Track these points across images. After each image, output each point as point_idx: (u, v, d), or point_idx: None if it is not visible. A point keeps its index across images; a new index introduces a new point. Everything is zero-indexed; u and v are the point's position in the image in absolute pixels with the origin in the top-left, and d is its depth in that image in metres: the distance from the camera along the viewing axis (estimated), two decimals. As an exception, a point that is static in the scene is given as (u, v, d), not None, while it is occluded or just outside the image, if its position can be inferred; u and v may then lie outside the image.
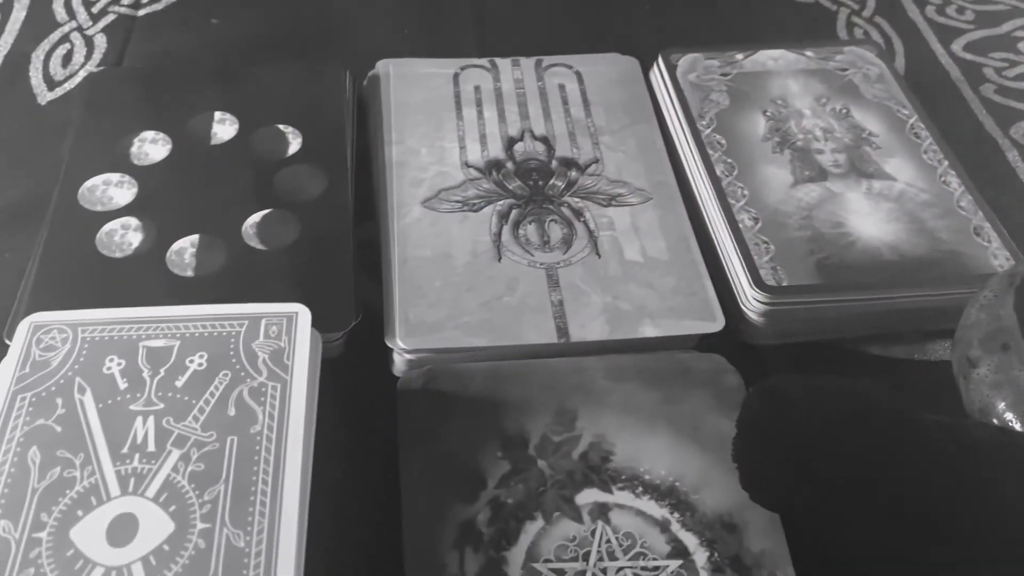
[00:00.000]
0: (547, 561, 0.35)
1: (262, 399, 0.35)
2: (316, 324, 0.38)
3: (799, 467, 0.36)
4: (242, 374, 0.36)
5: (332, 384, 0.42)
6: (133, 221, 0.46)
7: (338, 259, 0.45)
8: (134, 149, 0.49)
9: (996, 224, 0.48)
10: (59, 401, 0.34)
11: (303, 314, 0.38)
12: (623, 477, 0.38)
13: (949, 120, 0.59)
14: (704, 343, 0.45)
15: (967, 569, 0.34)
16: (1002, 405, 0.38)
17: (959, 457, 0.35)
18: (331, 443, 0.40)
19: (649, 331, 0.44)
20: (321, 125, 0.51)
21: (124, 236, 0.45)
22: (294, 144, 0.50)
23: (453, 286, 0.45)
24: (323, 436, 0.40)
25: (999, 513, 0.34)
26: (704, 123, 0.53)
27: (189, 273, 0.44)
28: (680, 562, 0.36)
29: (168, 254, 0.44)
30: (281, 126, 0.51)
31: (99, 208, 0.46)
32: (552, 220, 0.48)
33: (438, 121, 0.53)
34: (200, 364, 0.36)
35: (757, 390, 0.38)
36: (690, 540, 0.36)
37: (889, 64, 0.58)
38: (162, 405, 0.35)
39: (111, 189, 0.47)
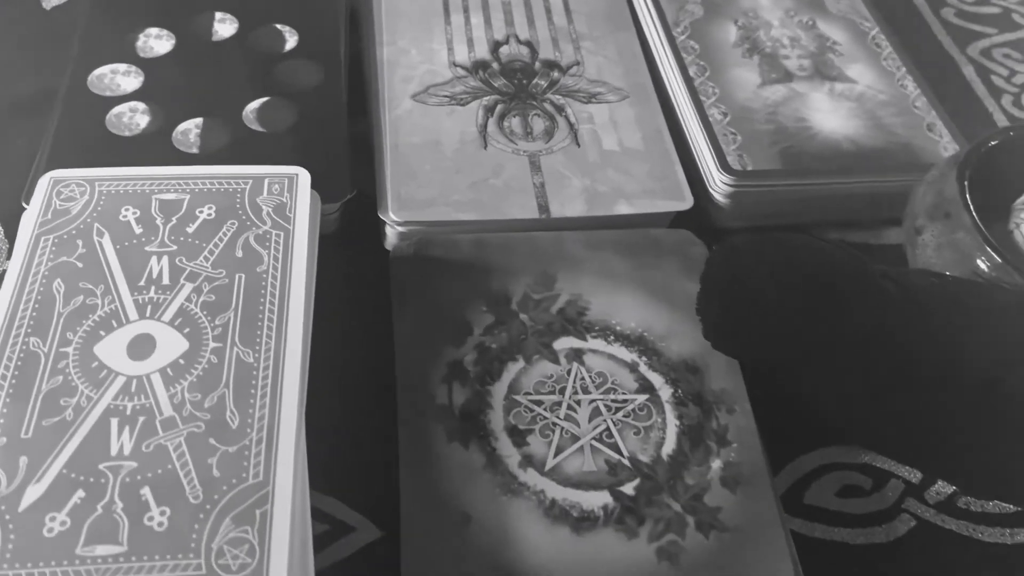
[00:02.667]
0: (527, 394, 0.39)
1: (267, 244, 0.38)
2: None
3: (757, 318, 0.40)
4: (248, 223, 0.39)
5: (329, 258, 0.46)
6: (140, 105, 0.49)
7: (334, 140, 0.48)
8: (139, 43, 0.52)
9: (948, 122, 0.52)
10: (79, 243, 0.37)
11: (303, 175, 0.41)
12: (596, 327, 0.41)
13: (911, 39, 0.63)
14: (675, 224, 0.48)
15: (906, 397, 0.38)
16: (943, 264, 0.41)
17: (901, 300, 0.39)
18: (330, 309, 0.43)
19: (624, 208, 0.47)
20: (317, 24, 0.54)
21: (132, 118, 0.48)
22: (291, 41, 0.53)
23: (442, 169, 0.48)
24: (322, 303, 0.44)
25: (935, 346, 0.38)
26: (679, 30, 0.56)
27: (194, 151, 0.47)
28: (647, 396, 0.39)
29: (174, 134, 0.47)
30: (279, 25, 0.54)
31: (108, 94, 0.49)
32: (535, 114, 0.52)
33: (427, 25, 0.56)
34: (209, 214, 0.39)
35: (719, 248, 0.41)
36: (656, 379, 0.40)
37: (861, -20, 0.61)
38: (175, 247, 0.38)
39: (119, 77, 0.50)
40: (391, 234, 0.46)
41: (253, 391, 0.33)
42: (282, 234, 0.39)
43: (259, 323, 0.35)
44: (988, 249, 0.40)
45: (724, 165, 0.48)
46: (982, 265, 0.40)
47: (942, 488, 0.40)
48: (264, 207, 0.39)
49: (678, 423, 0.38)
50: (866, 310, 0.39)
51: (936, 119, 0.52)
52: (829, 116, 0.52)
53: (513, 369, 0.40)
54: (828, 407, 0.40)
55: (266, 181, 0.40)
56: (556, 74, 0.54)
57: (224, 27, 0.53)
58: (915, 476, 0.41)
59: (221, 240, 0.38)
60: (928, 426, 0.39)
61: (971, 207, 0.41)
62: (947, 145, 0.51)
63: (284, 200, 0.40)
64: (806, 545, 0.38)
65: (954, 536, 0.39)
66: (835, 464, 0.41)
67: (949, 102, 0.58)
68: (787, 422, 0.41)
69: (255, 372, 0.34)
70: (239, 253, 0.38)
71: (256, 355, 0.34)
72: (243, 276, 0.37)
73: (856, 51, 0.56)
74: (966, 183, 0.43)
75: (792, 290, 0.39)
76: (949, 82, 0.61)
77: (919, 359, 0.38)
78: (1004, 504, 0.40)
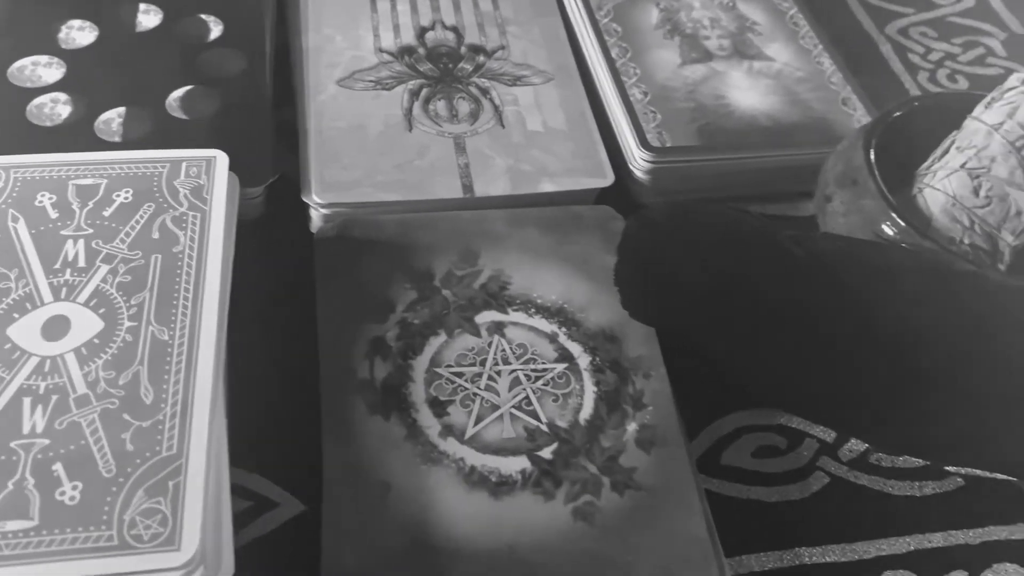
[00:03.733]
0: (448, 366, 0.40)
1: (183, 225, 0.38)
2: (239, 181, 0.42)
3: (670, 286, 0.41)
4: (165, 206, 0.39)
5: (256, 242, 0.46)
6: (62, 96, 0.48)
7: (257, 125, 0.48)
8: (62, 35, 0.52)
9: (862, 96, 0.54)
10: (-7, 229, 0.37)
11: (221, 158, 0.41)
12: (518, 301, 0.42)
13: (832, 19, 0.65)
14: (600, 201, 0.49)
15: (817, 358, 0.39)
16: (850, 229, 0.43)
17: (809, 263, 0.40)
18: (256, 291, 0.43)
19: (547, 187, 0.48)
20: (241, 13, 0.54)
21: (53, 108, 0.48)
22: (215, 31, 0.53)
23: (367, 152, 0.48)
24: (248, 286, 0.44)
25: (843, 307, 0.39)
26: (602, 13, 0.57)
27: (117, 139, 0.47)
28: (566, 364, 0.40)
29: (96, 124, 0.47)
30: (203, 15, 0.54)
31: (28, 85, 0.49)
32: (461, 97, 0.52)
33: (354, 13, 0.57)
34: (126, 198, 0.39)
35: (633, 219, 0.42)
36: (575, 348, 0.41)
37: (774, -35, 0.62)
38: (91, 230, 0.38)
39: (40, 69, 0.50)
40: (316, 217, 0.47)
41: (168, 368, 0.34)
42: (199, 215, 0.39)
43: (175, 302, 0.36)
44: (891, 213, 0.41)
45: (644, 142, 0.49)
46: (887, 229, 0.41)
47: (855, 446, 0.42)
48: (181, 189, 0.40)
49: (596, 389, 0.39)
50: (775, 275, 0.40)
51: (851, 94, 0.54)
52: (747, 93, 0.53)
53: (435, 343, 0.40)
54: (743, 371, 0.42)
55: (183, 164, 0.41)
56: (482, 58, 0.55)
57: (148, 18, 0.53)
58: (829, 435, 0.42)
59: (138, 222, 0.38)
60: (840, 386, 0.40)
61: (876, 174, 0.43)
62: (861, 118, 0.52)
63: (201, 182, 0.40)
64: (723, 504, 0.39)
65: (866, 491, 0.40)
66: (752, 426, 0.42)
67: (867, 79, 0.60)
68: (704, 387, 0.42)
69: (170, 349, 0.34)
70: (155, 235, 0.38)
71: (171, 332, 0.35)
72: (159, 257, 0.37)
73: (775, 30, 0.58)
74: (872, 151, 0.44)
75: (703, 258, 0.41)
76: (867, 60, 0.62)
77: (828, 320, 0.39)
78: (914, 458, 0.41)
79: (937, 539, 0.39)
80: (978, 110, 0.43)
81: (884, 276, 0.40)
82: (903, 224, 0.41)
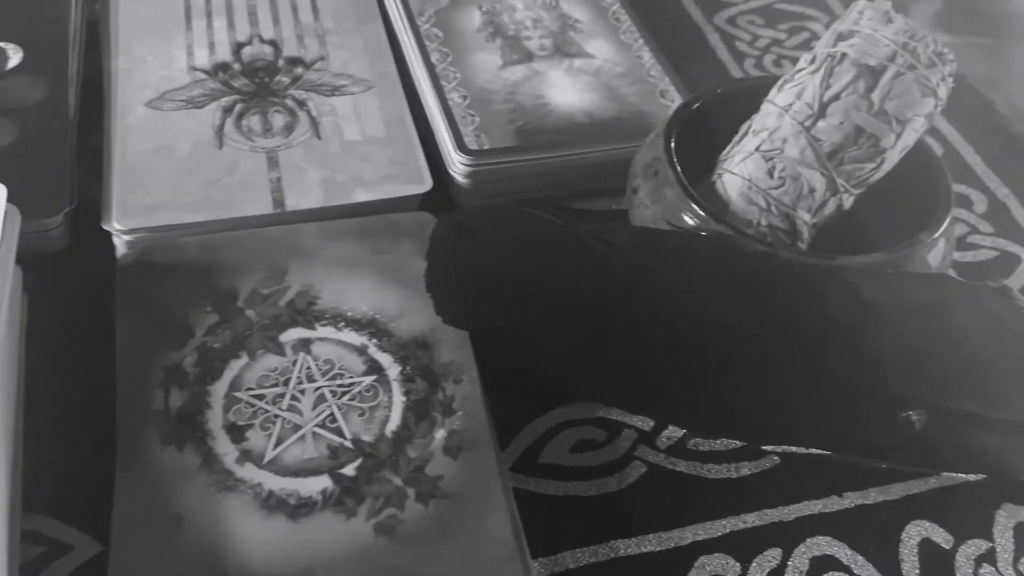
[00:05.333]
0: (249, 389, 0.38)
1: (-48, 263, 0.36)
2: (33, 211, 0.40)
3: (477, 288, 0.40)
4: (-68, 244, 0.37)
5: (58, 274, 0.44)
6: None
7: (56, 154, 0.46)
8: None
9: (680, 87, 0.54)
10: None
11: (-1, 190, 0.39)
12: (327, 316, 0.41)
13: (659, 12, 0.66)
14: (423, 208, 0.48)
15: (629, 349, 0.39)
16: (652, 217, 0.43)
17: (612, 257, 0.40)
18: (57, 325, 0.42)
19: (362, 196, 0.47)
20: (43, 40, 0.52)
21: None
22: (15, 58, 0.51)
23: (173, 173, 0.47)
24: (49, 319, 0.42)
25: (648, 298, 0.39)
26: (424, 19, 0.57)
27: (-100, 178, 0.44)
28: (374, 377, 0.39)
29: None
30: (2, 43, 0.52)
31: None
32: (276, 111, 0.51)
33: (167, 33, 0.55)
34: None
35: (442, 222, 0.42)
36: (385, 359, 0.40)
37: (598, -38, 0.63)
38: None
39: None
40: (120, 244, 0.45)
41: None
42: (-30, 252, 0.37)
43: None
44: (688, 201, 0.42)
45: (461, 146, 0.49)
46: (686, 217, 0.42)
47: (673, 432, 0.42)
48: (-48, 226, 0.38)
49: (405, 399, 0.39)
50: (577, 270, 0.40)
51: (669, 85, 0.55)
52: (566, 91, 0.53)
53: (236, 366, 0.39)
54: (557, 368, 0.42)
55: (-44, 199, 0.39)
56: (300, 70, 0.54)
57: (-60, 48, 0.51)
58: (648, 424, 0.42)
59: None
60: (649, 375, 0.40)
61: (675, 162, 0.43)
62: (678, 109, 0.53)
63: (-26, 217, 0.38)
64: (541, 503, 0.39)
65: (683, 476, 0.41)
66: (571, 421, 0.42)
67: (695, 69, 0.61)
68: (522, 386, 0.42)
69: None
70: (-79, 276, 0.36)
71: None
72: (-77, 299, 0.35)
73: (596, 27, 0.58)
74: (672, 141, 0.44)
75: (508, 258, 0.40)
76: (696, 50, 0.63)
77: (632, 312, 0.39)
78: (730, 441, 0.42)
79: (752, 519, 0.39)
80: (772, 93, 0.44)
81: (682, 264, 0.40)
82: (700, 211, 0.41)
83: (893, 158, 0.42)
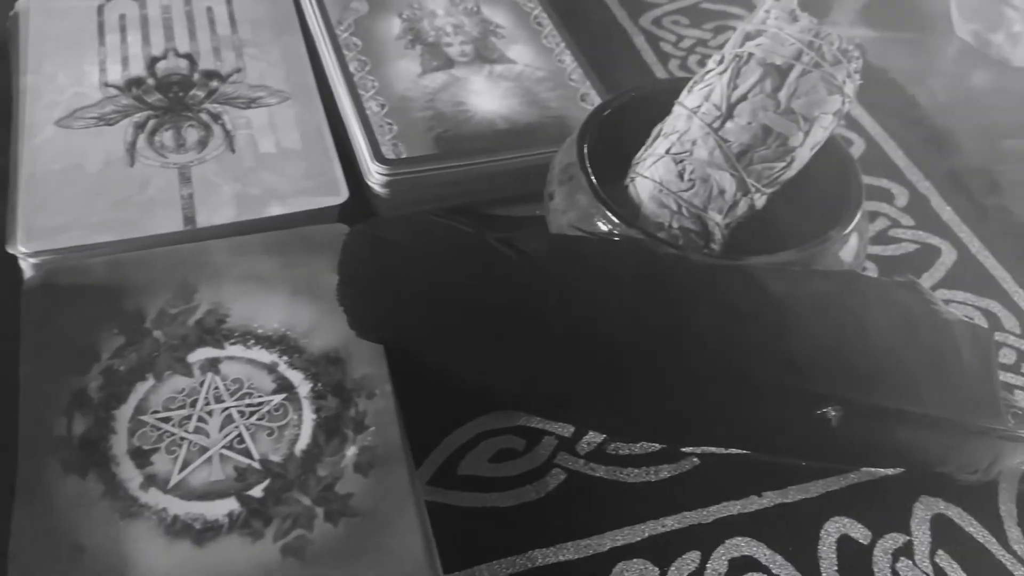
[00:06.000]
0: (155, 412, 0.38)
1: None
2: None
3: (388, 300, 0.40)
4: None
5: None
6: None
7: (-46, 177, 0.45)
8: None
9: (600, 90, 0.54)
10: None
11: None
12: (236, 334, 0.41)
13: (585, 15, 0.66)
14: (343, 219, 0.48)
15: (544, 356, 0.39)
16: (567, 223, 0.43)
17: (522, 264, 0.39)
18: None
19: (276, 209, 0.46)
20: (-54, 59, 0.51)
21: None
22: (-83, 79, 0.50)
23: (82, 192, 0.46)
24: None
25: (561, 304, 0.39)
26: (343, 28, 0.56)
27: None
28: (284, 395, 0.39)
29: None
30: (-97, 64, 0.50)
31: None
32: (190, 125, 0.50)
33: (79, 50, 0.54)
34: None
35: (352, 234, 0.41)
36: (295, 376, 0.39)
37: (520, -34, 0.63)
38: None
39: None
40: (26, 268, 0.44)
41: None
42: None
43: None
44: (600, 206, 0.42)
45: (378, 155, 0.48)
46: (599, 222, 0.42)
47: (593, 438, 0.42)
48: None
49: (315, 417, 0.38)
50: (489, 279, 0.40)
51: (590, 89, 0.54)
52: (486, 98, 0.53)
53: (142, 389, 0.38)
54: (474, 378, 0.41)
55: None
56: (215, 83, 0.53)
57: None
58: (568, 431, 0.42)
59: None
60: (565, 382, 0.40)
61: (588, 167, 0.43)
62: (598, 112, 0.53)
63: None
64: (459, 516, 0.39)
65: (602, 482, 0.40)
66: (491, 431, 0.42)
67: (621, 72, 0.61)
68: (441, 397, 0.42)
69: None
70: None
71: None
72: None
73: (518, 32, 0.58)
74: (585, 146, 0.44)
75: (419, 269, 0.40)
76: (622, 53, 0.63)
77: (546, 319, 0.39)
78: (650, 444, 0.42)
79: (671, 522, 0.39)
80: (683, 95, 0.44)
81: (593, 270, 0.40)
82: (611, 216, 0.41)
83: (803, 156, 0.43)
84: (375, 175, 0.48)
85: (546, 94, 0.54)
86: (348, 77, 0.53)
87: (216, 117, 0.51)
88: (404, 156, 0.49)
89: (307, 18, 0.59)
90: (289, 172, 0.48)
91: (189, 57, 0.54)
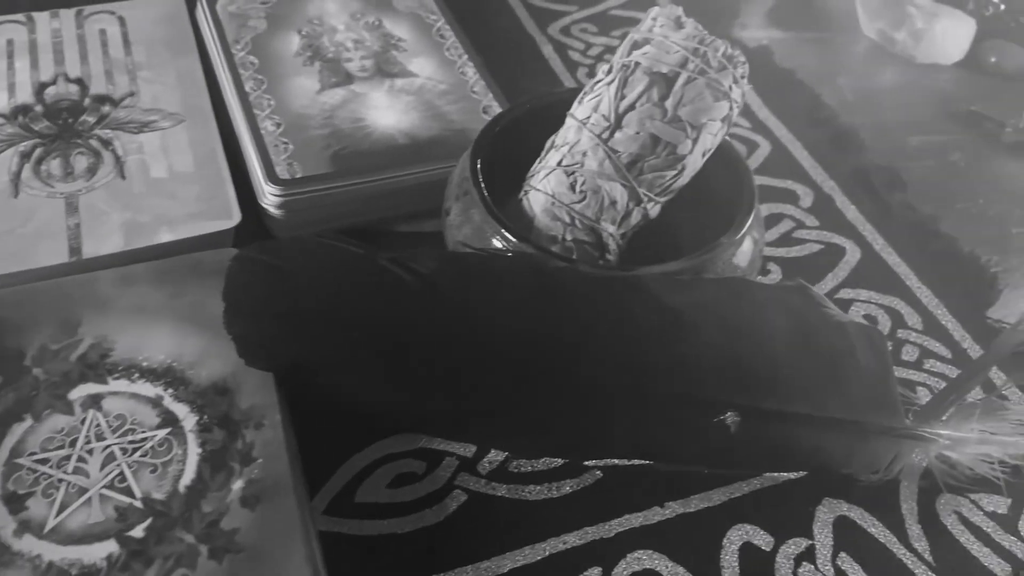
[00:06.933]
0: (32, 454, 0.36)
1: None
2: None
3: (282, 326, 0.39)
4: None
5: None
6: None
7: None
8: None
9: (503, 101, 0.54)
10: None
11: None
12: (121, 368, 0.39)
13: (494, 25, 0.65)
14: (239, 243, 0.47)
15: (441, 376, 0.38)
16: (463, 239, 0.42)
17: (414, 283, 0.39)
18: None
19: (166, 236, 0.45)
20: None
21: None
22: None
23: (-38, 227, 0.44)
24: None
25: (449, 322, 0.38)
26: (239, 47, 0.55)
27: None
28: (169, 429, 0.38)
29: None
30: None
31: None
32: (79, 152, 0.49)
33: (-38, 77, 0.52)
34: None
35: (235, 260, 0.40)
36: (181, 409, 0.38)
37: (424, -23, 0.62)
38: None
39: None
40: (-99, 307, 0.42)
41: None
42: None
43: None
44: (493, 221, 0.41)
45: (271, 176, 0.47)
46: (492, 237, 0.41)
47: (495, 456, 0.41)
48: None
49: (200, 451, 0.37)
50: (380, 299, 0.39)
51: (492, 101, 0.54)
52: (385, 113, 0.52)
53: (18, 431, 0.37)
54: (370, 401, 0.40)
55: None
56: (107, 108, 0.52)
57: None
58: (469, 450, 0.41)
59: None
60: (463, 401, 0.39)
61: (480, 182, 0.43)
62: (500, 124, 0.52)
63: None
64: (356, 544, 0.38)
65: (503, 501, 0.40)
66: (390, 455, 0.41)
67: (529, 81, 0.61)
68: (338, 423, 0.41)
69: None
70: None
71: None
72: None
73: (420, 45, 0.57)
74: (479, 160, 0.44)
75: (305, 292, 0.39)
76: (529, 62, 0.63)
77: (442, 338, 0.38)
78: (553, 459, 0.41)
79: (573, 539, 0.39)
80: (574, 106, 0.44)
81: (485, 287, 0.39)
82: (503, 231, 0.41)
83: (695, 163, 0.42)
84: (269, 196, 0.47)
85: (448, 107, 0.53)
86: (243, 96, 0.52)
87: (107, 143, 0.50)
88: (299, 176, 0.48)
89: (204, 38, 0.57)
90: (181, 197, 0.47)
91: (80, 82, 0.53)
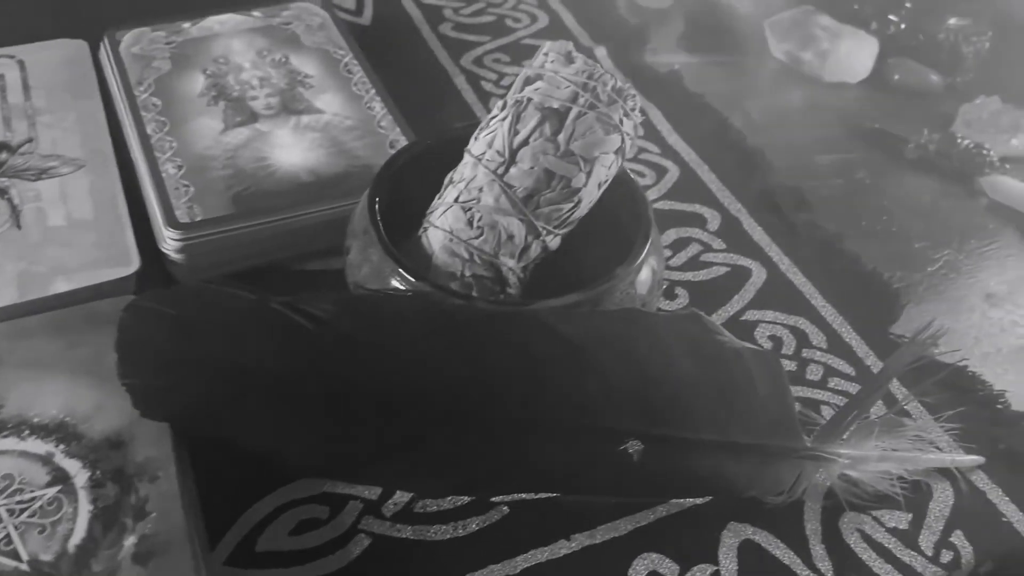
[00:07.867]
0: (-88, 522, 0.35)
1: None
2: None
3: (170, 377, 0.38)
4: None
5: None
6: None
7: None
8: None
9: (410, 136, 0.54)
10: None
11: None
12: (10, 426, 0.38)
13: (408, 57, 0.65)
14: (142, 290, 0.46)
15: (342, 419, 0.38)
16: (361, 279, 0.42)
17: (310, 328, 0.38)
18: None
19: (62, 286, 0.44)
20: None
21: None
22: None
23: None
24: None
25: (355, 365, 0.38)
26: (142, 89, 0.55)
27: None
28: (59, 487, 0.37)
29: None
30: None
31: None
32: (-28, 203, 0.48)
33: None
34: None
35: (127, 309, 0.39)
36: (73, 465, 0.37)
37: (332, 13, 0.62)
38: None
39: None
40: None
41: None
42: None
43: None
44: (390, 260, 0.41)
45: (170, 220, 0.47)
46: (390, 276, 0.41)
47: (400, 497, 0.41)
48: None
49: (92, 507, 0.36)
50: (274, 345, 0.38)
51: (399, 135, 0.54)
52: (290, 151, 0.52)
53: (-102, 497, 0.36)
54: (268, 448, 0.40)
55: None
56: (4, 155, 0.51)
57: None
58: (374, 493, 0.41)
59: None
60: (366, 444, 0.39)
61: (378, 220, 0.43)
62: (407, 159, 0.52)
63: None
64: (256, 596, 0.37)
65: (408, 543, 0.40)
66: (292, 501, 0.40)
67: (443, 113, 0.61)
68: (240, 471, 0.40)
69: None
70: None
71: None
72: None
73: (327, 81, 0.57)
74: (377, 198, 0.44)
75: (196, 341, 0.38)
76: (444, 94, 0.63)
77: (338, 382, 0.38)
78: (460, 497, 0.41)
79: (478, 578, 0.39)
80: (471, 142, 0.44)
81: (382, 328, 0.39)
82: (400, 271, 0.41)
83: (591, 195, 0.43)
84: (169, 241, 0.47)
85: (353, 143, 0.53)
86: (144, 139, 0.51)
87: (3, 191, 0.49)
88: (199, 219, 0.47)
89: (107, 80, 0.57)
90: (78, 244, 0.46)
91: (-25, 129, 0.52)
